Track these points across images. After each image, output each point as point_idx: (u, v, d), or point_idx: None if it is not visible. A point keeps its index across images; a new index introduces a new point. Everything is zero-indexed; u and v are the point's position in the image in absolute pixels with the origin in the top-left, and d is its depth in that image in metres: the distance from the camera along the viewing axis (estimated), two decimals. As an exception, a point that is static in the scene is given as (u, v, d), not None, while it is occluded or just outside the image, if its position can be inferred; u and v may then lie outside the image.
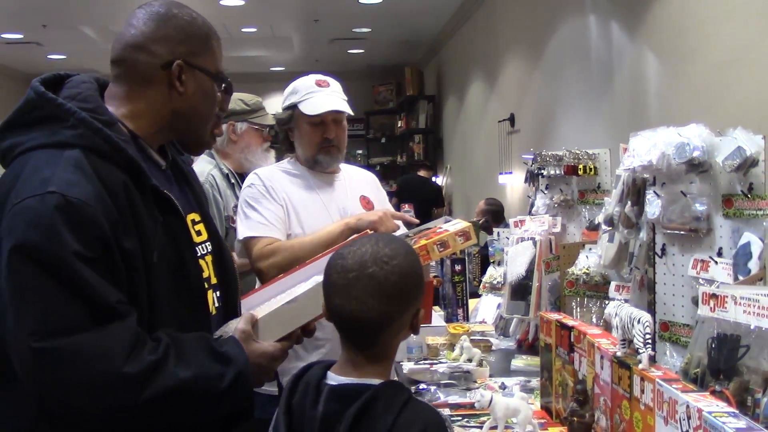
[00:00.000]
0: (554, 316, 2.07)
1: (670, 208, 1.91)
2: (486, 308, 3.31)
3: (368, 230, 2.19)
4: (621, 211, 2.10)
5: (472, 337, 2.74)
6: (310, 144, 2.44)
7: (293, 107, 2.43)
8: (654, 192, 1.95)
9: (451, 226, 2.24)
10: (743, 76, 3.02)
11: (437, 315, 3.40)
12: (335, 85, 2.48)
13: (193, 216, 1.54)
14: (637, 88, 4.02)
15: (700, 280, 1.86)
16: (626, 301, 2.24)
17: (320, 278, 1.43)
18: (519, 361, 2.73)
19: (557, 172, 2.72)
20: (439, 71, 10.85)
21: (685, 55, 3.48)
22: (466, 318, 3.41)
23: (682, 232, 1.90)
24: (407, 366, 2.57)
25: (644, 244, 2.08)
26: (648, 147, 1.90)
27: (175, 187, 1.52)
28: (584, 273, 2.37)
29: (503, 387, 2.41)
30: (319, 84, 2.45)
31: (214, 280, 1.55)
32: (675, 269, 1.95)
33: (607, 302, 2.36)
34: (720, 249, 1.84)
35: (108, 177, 1.32)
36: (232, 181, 3.34)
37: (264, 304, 1.60)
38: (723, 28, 3.16)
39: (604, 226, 2.19)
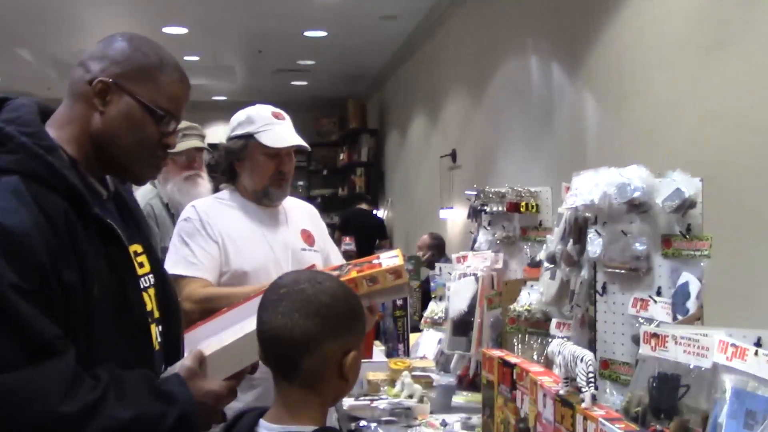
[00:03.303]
0: (496, 353, 2.07)
1: (611, 247, 1.94)
2: (427, 343, 3.30)
3: None
4: (563, 249, 2.12)
5: (413, 373, 2.72)
6: (263, 176, 2.39)
7: (248, 137, 2.38)
8: (595, 231, 1.98)
9: (387, 259, 2.21)
10: (679, 120, 3.12)
11: (378, 350, 3.38)
12: (288, 119, 2.46)
13: (136, 247, 1.49)
14: (576, 128, 4.12)
15: (640, 318, 1.88)
16: (567, 338, 2.26)
17: None
18: (460, 398, 2.72)
19: (500, 208, 2.74)
20: (382, 105, 10.94)
21: (624, 98, 3.58)
22: (407, 353, 3.39)
23: (622, 271, 1.93)
24: (347, 402, 2.53)
25: (585, 282, 2.11)
26: (590, 186, 1.93)
27: (117, 218, 1.46)
28: (526, 310, 2.38)
29: (444, 424, 2.39)
30: (276, 116, 2.41)
31: (156, 314, 1.50)
32: (615, 307, 1.97)
33: (548, 339, 2.38)
34: (659, 288, 1.87)
35: (47, 205, 1.26)
36: (172, 211, 3.27)
37: (210, 339, 1.55)
38: (659, 74, 3.27)
39: (545, 264, 2.21)
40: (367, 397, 2.59)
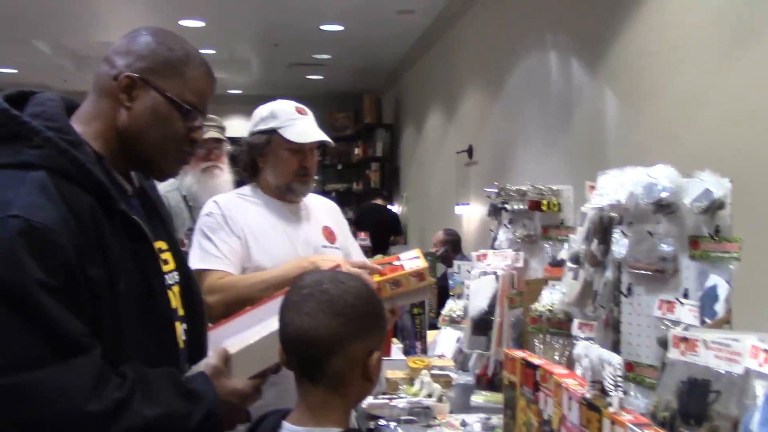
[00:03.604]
0: (519, 353, 2.04)
1: (637, 247, 1.91)
2: (445, 342, 3.28)
3: None
4: (587, 249, 2.09)
5: (432, 372, 2.70)
6: (285, 171, 2.37)
7: (271, 132, 2.36)
8: (621, 231, 1.95)
9: (408, 260, 2.20)
10: (702, 117, 3.08)
11: (396, 348, 3.36)
12: (311, 114, 2.45)
13: (161, 244, 1.48)
14: (595, 125, 4.08)
15: (666, 321, 1.85)
16: (589, 339, 2.23)
17: None
18: (479, 397, 2.70)
19: (521, 206, 2.71)
20: (397, 100, 10.91)
21: (645, 95, 3.54)
22: (425, 350, 3.37)
23: (648, 272, 1.90)
24: (366, 400, 2.51)
25: (609, 283, 2.08)
26: (616, 186, 1.90)
27: (142, 214, 1.45)
28: (547, 310, 2.35)
29: (464, 424, 2.37)
30: (299, 111, 2.40)
31: (181, 312, 1.49)
32: (640, 309, 1.94)
33: (570, 340, 2.35)
34: (686, 290, 1.84)
35: (74, 200, 1.25)
36: (190, 203, 3.27)
37: (234, 337, 1.54)
38: (682, 70, 3.22)
39: (569, 264, 2.18)
40: (385, 396, 2.57)
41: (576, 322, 2.27)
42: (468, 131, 6.86)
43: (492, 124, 6.15)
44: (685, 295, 1.83)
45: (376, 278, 2.09)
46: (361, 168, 11.77)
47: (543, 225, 2.71)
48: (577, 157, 4.30)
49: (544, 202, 2.64)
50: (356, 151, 11.91)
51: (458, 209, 7.03)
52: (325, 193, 13.02)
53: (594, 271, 2.08)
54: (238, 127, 13.00)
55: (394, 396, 2.56)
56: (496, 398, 2.68)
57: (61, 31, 8.61)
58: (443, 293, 4.69)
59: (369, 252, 7.72)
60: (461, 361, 3.15)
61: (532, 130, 5.14)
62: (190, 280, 1.56)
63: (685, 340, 1.47)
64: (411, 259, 2.16)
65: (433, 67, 8.35)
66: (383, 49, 9.03)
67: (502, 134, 5.83)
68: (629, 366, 1.97)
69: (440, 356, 3.22)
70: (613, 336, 2.04)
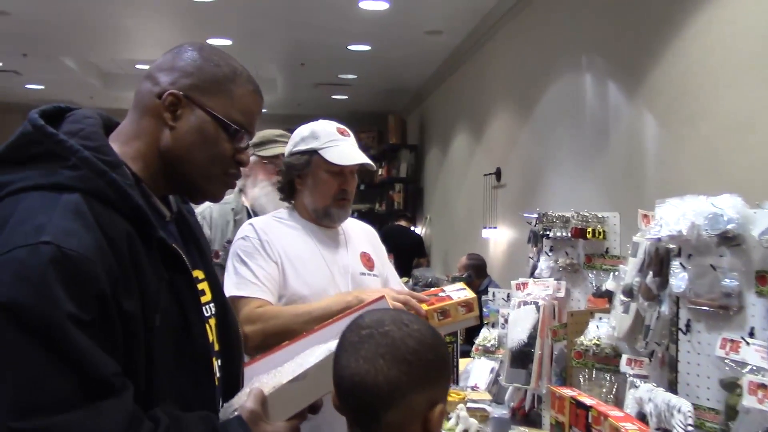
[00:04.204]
0: (567, 392, 1.93)
1: (698, 281, 1.80)
2: (479, 372, 3.15)
3: None
4: (641, 282, 1.97)
5: (467, 405, 2.59)
6: (325, 195, 2.27)
7: (312, 153, 2.26)
8: (680, 264, 1.83)
9: (455, 292, 2.10)
10: (750, 143, 2.95)
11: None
12: (353, 136, 2.35)
13: (198, 273, 1.38)
14: (634, 150, 3.96)
15: (728, 361, 1.73)
16: (639, 376, 2.11)
17: (333, 347, 1.28)
18: (516, 433, 2.57)
19: (563, 234, 2.60)
20: (422, 120, 10.83)
21: (687, 119, 3.42)
22: (456, 380, 3.25)
23: (710, 309, 1.78)
24: (399, 435, 2.40)
25: (663, 318, 1.96)
26: (677, 216, 1.79)
27: (179, 241, 1.36)
28: (594, 344, 2.23)
29: (503, 463, 2.25)
30: (341, 132, 2.30)
31: (216, 347, 1.39)
32: (700, 348, 1.82)
33: (618, 377, 2.23)
34: (752, 329, 1.72)
35: (110, 227, 1.16)
36: (237, 217, 3.19)
37: (270, 374, 1.44)
38: (728, 93, 3.10)
39: (621, 297, 2.06)
40: (420, 430, 2.45)
41: (625, 358, 2.15)
42: (496, 153, 6.75)
43: (522, 147, 6.03)
44: (751, 334, 1.71)
45: (424, 307, 1.99)
46: (384, 189, 11.68)
47: (587, 253, 2.59)
48: (614, 182, 4.17)
49: (589, 229, 2.53)
50: (380, 171, 11.83)
51: (485, 233, 6.90)
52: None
53: (648, 306, 1.96)
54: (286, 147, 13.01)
55: None
56: (535, 434, 2.57)
57: (88, 48, 8.62)
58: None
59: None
60: (495, 393, 3.03)
61: (565, 153, 5.02)
62: (226, 312, 1.45)
63: (763, 386, 1.35)
64: (457, 291, 2.06)
65: (461, 87, 8.26)
66: (410, 69, 8.97)
67: (533, 157, 5.71)
68: (687, 408, 1.84)
69: (474, 387, 3.10)
70: (669, 375, 1.92)
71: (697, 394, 1.82)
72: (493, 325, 3.20)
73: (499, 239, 6.63)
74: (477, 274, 5.99)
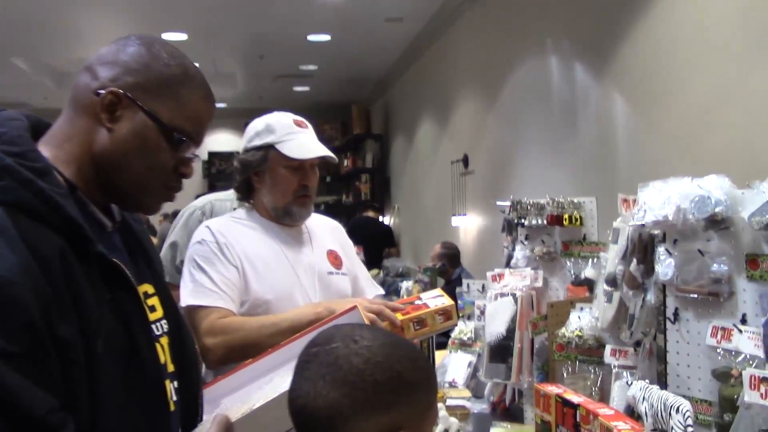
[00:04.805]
0: (552, 389, 1.83)
1: (685, 268, 1.71)
2: (456, 366, 3.05)
3: None
4: (624, 270, 1.89)
5: (446, 404, 2.49)
6: (285, 192, 2.12)
7: (268, 147, 2.11)
8: (666, 250, 1.74)
9: (432, 299, 1.99)
10: (721, 122, 2.89)
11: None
12: (311, 127, 2.20)
13: (146, 287, 1.24)
14: (603, 132, 3.88)
15: (720, 350, 1.65)
16: (625, 367, 2.03)
17: None
18: (498, 430, 2.48)
19: (539, 221, 2.50)
20: (387, 110, 10.72)
21: (657, 99, 3.35)
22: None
23: (698, 296, 1.69)
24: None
25: (649, 307, 1.87)
26: (661, 200, 1.70)
27: (124, 253, 1.22)
28: (576, 335, 2.14)
29: (487, 464, 2.16)
30: (298, 124, 2.14)
31: (171, 368, 1.25)
32: (690, 337, 1.73)
33: (602, 368, 2.14)
34: (744, 315, 1.63)
35: (40, 243, 1.01)
36: None
37: (235, 395, 1.31)
38: (700, 71, 3.03)
39: (604, 287, 1.97)
40: (398, 433, 2.35)
41: (609, 349, 2.07)
42: (463, 140, 6.67)
43: (489, 132, 5.95)
44: (743, 321, 1.63)
45: (399, 317, 1.87)
46: (351, 180, 11.56)
47: (563, 241, 2.50)
48: (586, 166, 4.10)
49: (566, 216, 2.44)
50: (345, 162, 11.70)
51: (455, 220, 6.82)
52: (315, 206, 12.76)
53: (633, 294, 1.88)
54: (224, 141, 12.74)
55: (408, 433, 2.34)
56: (517, 431, 2.48)
57: (40, 48, 8.35)
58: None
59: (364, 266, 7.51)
60: (473, 387, 2.94)
61: (533, 137, 4.95)
62: (180, 328, 1.32)
63: (766, 380, 1.26)
64: (434, 298, 1.95)
65: (424, 74, 8.16)
66: (371, 57, 8.84)
67: (501, 143, 5.63)
68: (678, 400, 1.76)
69: (452, 383, 3.00)
70: (658, 367, 1.83)
71: (688, 385, 1.74)
72: (469, 318, 3.10)
73: (469, 227, 6.55)
74: (450, 263, 5.90)
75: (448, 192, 6.98)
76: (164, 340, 1.23)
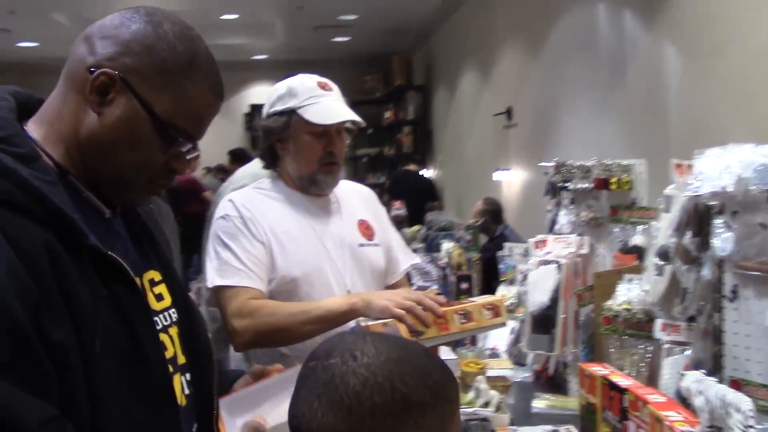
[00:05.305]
0: (598, 369, 1.72)
1: (746, 242, 1.57)
2: (498, 333, 2.95)
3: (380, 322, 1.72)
4: (677, 243, 1.75)
5: (488, 374, 2.40)
6: (310, 159, 1.99)
7: (290, 113, 1.98)
8: (724, 222, 1.60)
9: (481, 299, 1.89)
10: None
11: (442, 341, 3.05)
12: (337, 90, 2.05)
13: (153, 275, 1.16)
14: (654, 87, 3.68)
15: (783, 332, 1.52)
16: (676, 343, 1.91)
17: None
18: (541, 402, 2.39)
19: (585, 185, 2.36)
20: (428, 61, 10.49)
21: (716, 50, 3.14)
22: (473, 340, 3.06)
23: (760, 273, 1.55)
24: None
25: (704, 282, 1.74)
26: (719, 169, 1.55)
27: (126, 240, 1.13)
28: (625, 309, 2.02)
29: (529, 441, 2.07)
30: (322, 87, 2.00)
31: (182, 360, 1.17)
32: (749, 317, 1.60)
33: (652, 343, 2.02)
34: (811, 296, 1.49)
35: (24, 239, 0.93)
36: None
37: (268, 404, 1.22)
38: (764, 18, 2.82)
39: (655, 260, 1.84)
40: (436, 406, 2.27)
41: (659, 323, 1.94)
42: (506, 92, 6.47)
43: (533, 85, 5.75)
44: (810, 302, 1.49)
45: (444, 308, 1.76)
46: (393, 132, 11.41)
47: (611, 205, 2.37)
48: (634, 123, 3.90)
49: (613, 179, 2.30)
50: (387, 114, 11.54)
51: (497, 175, 6.67)
52: (355, 159, 12.65)
53: (687, 269, 1.74)
54: (265, 94, 12.77)
55: (447, 406, 2.26)
56: (561, 403, 2.38)
57: (80, 3, 8.30)
58: (487, 267, 4.37)
59: (405, 221, 7.40)
60: (516, 354, 2.84)
61: (579, 91, 4.75)
62: (191, 317, 1.23)
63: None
64: (483, 298, 1.85)
65: (467, 24, 7.91)
66: (412, 6, 8.60)
67: (545, 95, 5.43)
68: (735, 384, 1.63)
69: (493, 350, 2.91)
70: (713, 348, 1.71)
71: (746, 368, 1.61)
72: (511, 283, 3.00)
73: (512, 181, 6.40)
74: (493, 219, 5.75)
75: (490, 145, 6.83)
76: (173, 331, 1.15)
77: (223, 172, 9.11)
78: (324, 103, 1.97)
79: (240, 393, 1.32)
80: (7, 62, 10.68)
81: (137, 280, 1.08)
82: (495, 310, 1.77)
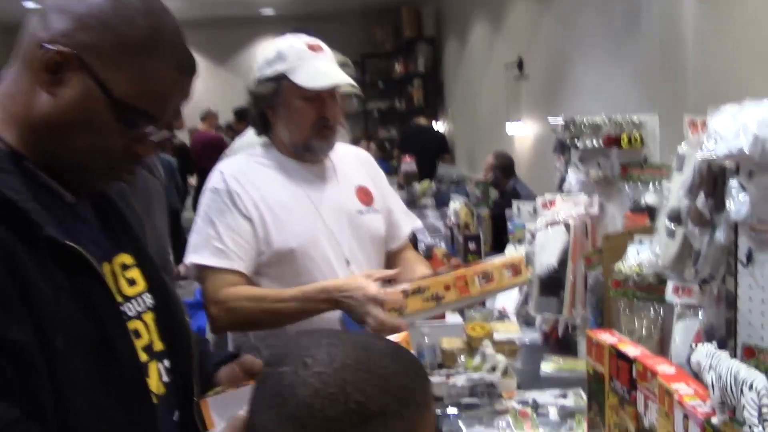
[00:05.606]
0: (606, 337, 1.66)
1: (762, 204, 1.48)
2: (506, 293, 2.90)
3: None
4: (690, 205, 1.67)
5: (495, 337, 2.35)
6: (302, 125, 1.90)
7: (279, 78, 1.88)
8: (739, 184, 1.51)
9: (498, 257, 1.83)
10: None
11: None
12: (328, 51, 1.95)
13: (123, 258, 1.10)
14: (669, 36, 3.54)
15: (800, 297, 1.45)
16: (689, 306, 1.84)
17: None
18: (549, 365, 2.34)
19: (594, 143, 2.27)
20: (438, 11, 10.29)
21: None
22: (483, 302, 3.00)
23: (776, 237, 1.48)
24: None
25: (717, 245, 1.66)
26: (735, 128, 1.46)
27: (92, 225, 1.06)
28: (635, 272, 1.95)
29: (536, 405, 2.02)
30: (312, 48, 1.90)
31: (159, 346, 1.11)
32: (765, 281, 1.52)
33: (664, 306, 1.96)
34: (830, 260, 1.42)
35: None
36: None
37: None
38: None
39: (667, 223, 1.76)
40: (443, 371, 2.23)
41: (671, 285, 1.87)
42: (517, 42, 6.31)
43: (544, 33, 5.59)
44: (829, 267, 1.42)
45: (462, 271, 1.69)
46: (403, 85, 11.25)
47: (622, 163, 2.28)
48: (648, 75, 3.77)
49: (624, 136, 2.20)
50: (397, 67, 11.37)
51: (509, 127, 6.55)
52: (366, 113, 12.48)
53: (699, 232, 1.66)
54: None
55: (452, 371, 2.21)
56: (569, 365, 2.33)
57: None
58: (497, 224, 4.30)
59: (416, 177, 7.32)
60: (525, 314, 2.79)
61: (591, 40, 4.60)
62: (168, 300, 1.17)
63: None
64: (500, 256, 1.78)
65: (476, -28, 7.72)
66: (421, -45, 8.40)
67: (557, 44, 5.29)
68: (749, 351, 1.57)
69: (502, 311, 2.86)
70: (727, 313, 1.64)
71: (761, 335, 1.54)
72: (520, 242, 2.93)
73: (525, 134, 6.29)
74: (504, 173, 5.65)
75: (502, 97, 6.70)
76: (148, 317, 1.09)
77: (231, 131, 9.05)
78: (315, 65, 1.87)
79: (227, 393, 1.25)
80: (15, 23, 10.54)
81: (107, 265, 1.02)
82: (515, 269, 1.71)
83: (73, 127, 0.98)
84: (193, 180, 9.33)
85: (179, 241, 2.64)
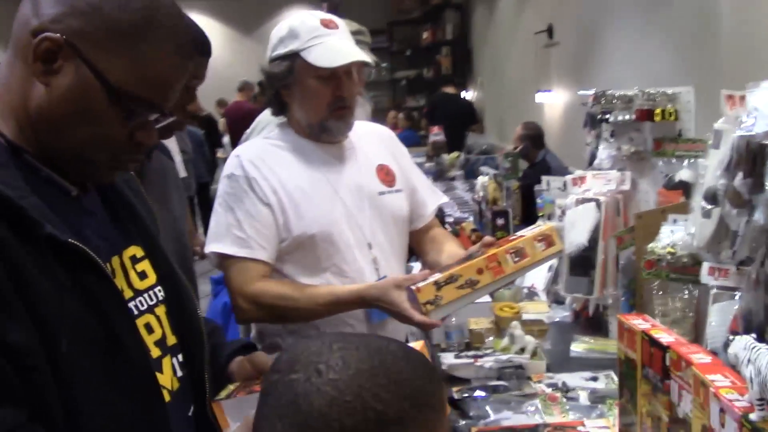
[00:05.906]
0: (639, 323, 1.60)
1: (804, 185, 1.41)
2: (536, 270, 2.84)
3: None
4: (727, 185, 1.59)
5: (524, 317, 2.30)
6: (317, 106, 1.84)
7: (293, 56, 1.82)
8: (779, 163, 1.44)
9: (528, 230, 1.76)
10: None
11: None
12: (343, 26, 1.88)
13: (134, 251, 1.06)
14: (705, 3, 3.41)
15: (844, 283, 1.38)
16: (725, 288, 1.78)
17: None
18: (580, 345, 2.29)
19: (626, 117, 2.19)
20: (466, -24, 10.10)
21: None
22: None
23: (819, 219, 1.41)
24: (447, 359, 2.13)
25: (755, 227, 1.59)
26: (776, 105, 1.38)
27: (98, 219, 1.03)
28: (669, 252, 1.88)
29: (566, 389, 1.97)
30: (326, 25, 1.82)
31: (171, 340, 1.09)
32: (806, 263, 1.46)
33: (699, 288, 1.89)
34: None
35: None
36: None
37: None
38: None
39: (703, 204, 1.69)
40: (470, 352, 2.19)
41: (706, 266, 1.81)
42: (547, 8, 6.17)
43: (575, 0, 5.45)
44: None
45: (492, 251, 1.64)
46: (431, 53, 11.10)
47: (655, 138, 2.20)
48: (682, 44, 3.65)
49: (658, 110, 2.12)
50: (425, 35, 11.21)
51: (539, 97, 6.43)
52: (394, 82, 12.32)
53: (737, 213, 1.59)
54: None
55: (480, 353, 2.17)
56: (601, 346, 2.28)
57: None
58: (526, 196, 4.22)
59: (444, 147, 7.23)
60: (554, 292, 2.73)
61: (623, 6, 4.47)
62: (180, 292, 1.14)
63: None
64: (531, 229, 1.72)
65: (505, -64, 7.54)
66: None
67: (587, 10, 5.15)
68: (789, 338, 1.51)
69: (531, 288, 2.80)
70: (765, 298, 1.57)
71: (801, 322, 1.48)
72: (549, 218, 2.86)
73: (554, 104, 6.16)
74: (534, 144, 5.53)
75: (531, 66, 6.57)
76: (160, 310, 1.06)
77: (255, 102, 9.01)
78: (329, 43, 1.80)
79: (241, 398, 1.22)
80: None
81: (116, 258, 0.99)
82: (548, 240, 1.65)
83: (72, 117, 0.94)
84: (221, 152, 9.33)
85: (209, 212, 2.62)
